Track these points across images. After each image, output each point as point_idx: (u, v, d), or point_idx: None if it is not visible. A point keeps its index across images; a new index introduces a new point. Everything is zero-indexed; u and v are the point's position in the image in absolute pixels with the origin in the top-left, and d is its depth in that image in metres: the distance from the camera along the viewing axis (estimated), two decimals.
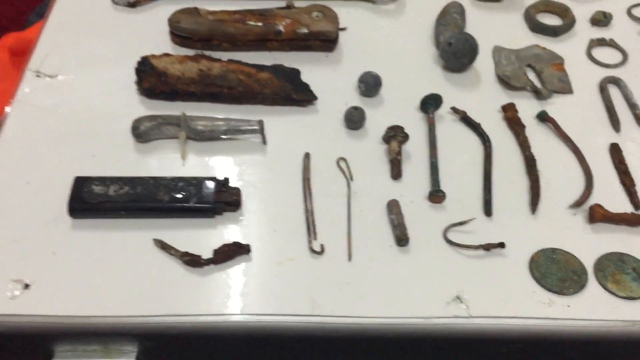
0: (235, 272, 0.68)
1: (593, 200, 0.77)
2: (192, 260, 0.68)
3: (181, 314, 0.65)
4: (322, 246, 0.71)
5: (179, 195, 0.72)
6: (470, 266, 0.70)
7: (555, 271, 0.69)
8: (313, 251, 0.70)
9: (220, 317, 0.65)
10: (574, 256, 0.71)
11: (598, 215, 0.74)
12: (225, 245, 0.69)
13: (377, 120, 0.84)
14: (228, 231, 0.72)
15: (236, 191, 0.73)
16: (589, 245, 0.72)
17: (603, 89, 0.90)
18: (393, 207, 0.74)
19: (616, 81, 0.91)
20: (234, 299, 0.66)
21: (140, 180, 0.73)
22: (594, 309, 0.67)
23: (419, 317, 0.66)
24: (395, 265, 0.70)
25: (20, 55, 1.53)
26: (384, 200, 0.76)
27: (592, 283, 0.69)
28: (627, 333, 0.66)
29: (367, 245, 0.71)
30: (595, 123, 0.86)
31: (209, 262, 0.68)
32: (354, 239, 0.72)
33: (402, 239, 0.71)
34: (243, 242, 0.70)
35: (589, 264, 0.71)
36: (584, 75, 0.92)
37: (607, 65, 0.93)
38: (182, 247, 0.69)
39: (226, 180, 0.75)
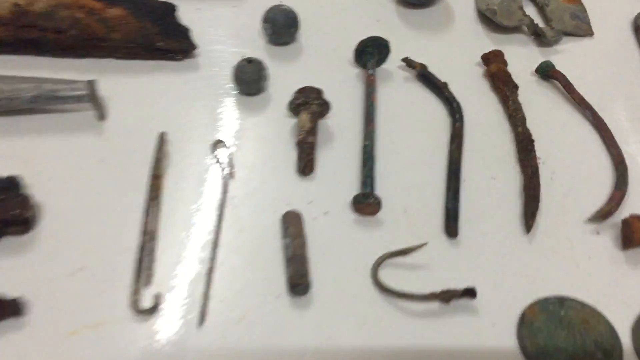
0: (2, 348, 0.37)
1: (629, 208, 0.44)
2: None
3: None
4: (156, 299, 0.39)
5: None
6: (414, 332, 0.38)
7: (563, 342, 0.37)
8: (138, 310, 0.38)
9: None
10: (598, 312, 0.39)
11: (638, 235, 0.40)
12: None
13: (288, 80, 0.52)
14: (1, 272, 0.40)
15: (23, 202, 0.41)
16: (622, 290, 0.40)
17: (638, 28, 0.55)
18: (289, 225, 0.42)
19: None
20: None
21: None
22: None
23: None
24: (283, 330, 0.38)
25: None
26: (281, 212, 0.43)
27: None
28: None
29: (239, 296, 0.39)
30: (627, 79, 0.53)
31: None
32: (217, 284, 0.40)
33: (297, 284, 0.39)
34: (16, 294, 0.38)
35: (623, 326, 0.38)
36: (611, 9, 0.59)
37: None
38: None
39: (11, 181, 0.42)
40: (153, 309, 0.39)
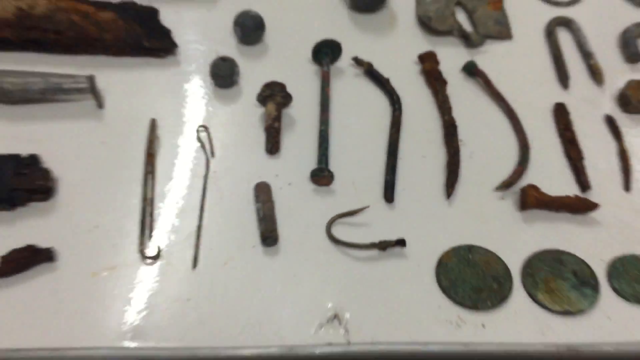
0: (32, 289, 0.51)
1: (527, 179, 0.62)
2: None
3: None
4: (158, 249, 0.54)
5: None
6: (359, 272, 0.55)
7: (469, 277, 0.54)
8: (145, 257, 0.54)
9: (10, 354, 0.49)
10: (497, 256, 0.56)
11: (532, 200, 0.58)
12: (17, 251, 0.52)
13: (256, 75, 0.68)
14: (29, 230, 0.54)
15: (45, 174, 0.56)
16: (517, 240, 0.58)
17: (550, 33, 0.75)
18: (260, 193, 0.58)
19: (568, 23, 0.76)
20: (28, 326, 0.50)
21: None
22: (518, 329, 0.52)
23: (281, 345, 0.50)
24: (256, 272, 0.54)
25: None
26: (252, 183, 0.59)
27: (518, 293, 0.54)
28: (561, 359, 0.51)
29: (223, 245, 0.55)
30: (538, 77, 0.72)
31: None
32: (205, 237, 0.56)
33: (267, 237, 0.55)
34: (47, 244, 0.53)
35: (515, 266, 0.56)
36: (527, 16, 0.78)
37: (557, 3, 0.77)
38: None
39: (33, 158, 0.57)
40: (156, 256, 0.54)
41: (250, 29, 0.70)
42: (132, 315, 0.51)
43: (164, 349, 0.49)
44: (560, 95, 0.69)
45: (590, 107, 0.68)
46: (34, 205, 0.56)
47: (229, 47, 0.71)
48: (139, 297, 0.52)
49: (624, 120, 0.67)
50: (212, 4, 0.75)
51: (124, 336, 0.50)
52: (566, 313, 0.53)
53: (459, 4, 0.76)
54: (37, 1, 0.68)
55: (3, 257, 0.52)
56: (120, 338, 0.50)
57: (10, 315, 0.50)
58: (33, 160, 0.57)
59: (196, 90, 0.66)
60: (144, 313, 0.51)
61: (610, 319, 0.53)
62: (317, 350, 0.50)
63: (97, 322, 0.50)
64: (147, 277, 0.53)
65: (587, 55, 0.72)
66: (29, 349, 0.49)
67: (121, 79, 0.66)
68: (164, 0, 0.72)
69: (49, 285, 0.52)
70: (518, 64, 0.73)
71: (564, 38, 0.75)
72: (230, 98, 0.66)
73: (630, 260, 0.56)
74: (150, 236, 0.55)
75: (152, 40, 0.68)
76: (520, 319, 0.53)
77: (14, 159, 0.56)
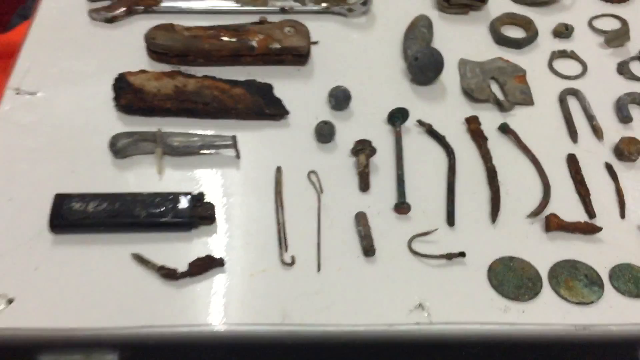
0: (210, 284, 0.73)
1: (550, 210, 0.82)
2: (168, 274, 0.72)
3: (158, 325, 0.69)
4: (292, 257, 0.75)
5: (156, 211, 0.76)
6: (433, 275, 0.75)
7: (511, 279, 0.74)
8: (284, 263, 0.75)
9: (195, 328, 0.70)
10: (530, 264, 0.76)
11: (553, 225, 0.79)
12: (199, 259, 0.73)
13: (347, 133, 0.89)
14: (203, 244, 0.76)
15: (210, 206, 0.78)
16: (544, 253, 0.78)
17: (562, 100, 0.95)
18: (361, 219, 0.79)
19: (575, 93, 0.96)
20: (208, 310, 0.71)
21: (118, 197, 0.77)
22: (547, 314, 0.72)
23: (383, 324, 0.71)
24: (362, 275, 0.75)
25: (4, 58, 1.55)
26: (352, 212, 0.80)
27: (546, 289, 0.74)
28: (578, 336, 0.71)
29: (336, 256, 0.76)
30: (554, 134, 0.92)
31: (184, 275, 0.72)
32: (323, 250, 0.77)
33: (368, 250, 0.76)
34: (217, 255, 0.74)
35: (543, 271, 0.76)
36: (544, 87, 0.98)
37: (567, 77, 0.99)
38: (158, 261, 0.74)
39: (201, 195, 0.79)
40: (292, 263, 0.75)
41: (341, 99, 0.92)
42: (279, 303, 0.72)
43: (306, 324, 0.70)
44: (571, 148, 0.90)
45: (594, 157, 0.89)
46: (202, 228, 0.78)
47: (325, 112, 0.93)
48: (282, 290, 0.73)
49: (619, 167, 0.87)
50: (308, 79, 0.97)
51: (276, 317, 0.71)
52: (580, 303, 0.73)
53: (493, 78, 0.98)
54: (188, 81, 0.90)
55: (190, 263, 0.73)
56: (272, 318, 0.71)
57: (194, 301, 0.71)
58: (201, 196, 0.79)
59: (305, 145, 0.88)
60: (288, 301, 0.72)
61: (612, 308, 0.73)
62: (408, 328, 0.71)
63: (257, 306, 0.71)
64: (286, 277, 0.74)
65: (590, 118, 0.93)
66: (213, 326, 0.70)
67: (251, 137, 0.88)
68: (276, 78, 0.95)
69: (221, 282, 0.73)
70: (539, 124, 0.94)
71: (573, 104, 0.96)
72: (330, 151, 0.88)
73: (625, 267, 0.76)
74: (286, 249, 0.77)
75: (270, 108, 0.90)
76: (549, 308, 0.73)
77: (190, 195, 0.78)
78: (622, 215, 0.82)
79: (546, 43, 1.04)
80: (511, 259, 0.77)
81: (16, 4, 2.13)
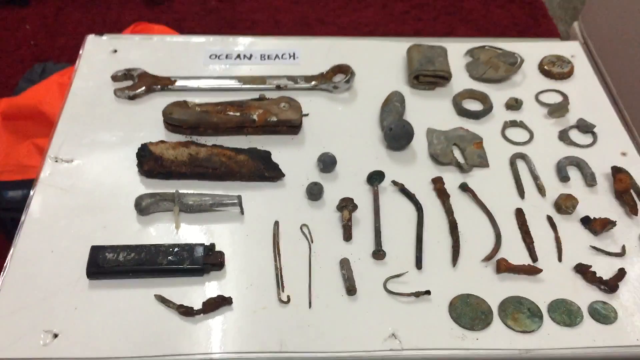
0: (220, 320, 0.87)
1: (500, 254, 0.97)
2: (186, 311, 0.86)
3: (178, 354, 0.83)
4: (288, 297, 0.90)
5: (174, 259, 0.90)
6: (404, 309, 0.89)
7: (468, 312, 0.89)
8: (281, 301, 0.89)
9: (209, 356, 0.83)
10: (484, 300, 0.91)
11: (503, 267, 0.94)
12: (211, 298, 0.87)
13: (333, 192, 1.04)
14: (214, 286, 0.90)
15: (220, 254, 0.92)
16: (495, 290, 0.92)
17: (512, 163, 1.11)
18: (344, 264, 0.94)
19: (523, 156, 1.13)
20: (219, 340, 0.84)
21: (143, 248, 0.91)
22: (497, 341, 0.86)
23: (363, 350, 0.85)
24: (345, 310, 0.89)
25: (12, 120, 1.69)
26: (337, 258, 0.95)
27: (496, 321, 0.89)
28: (522, 359, 0.85)
29: (324, 294, 0.90)
30: (505, 191, 1.07)
31: (199, 312, 0.86)
32: (313, 290, 0.91)
33: (351, 290, 0.90)
34: (226, 295, 0.88)
35: (494, 305, 0.90)
36: (498, 152, 1.14)
37: (517, 143, 1.15)
38: (177, 301, 0.88)
39: (212, 245, 0.93)
40: (288, 301, 0.89)
41: (328, 163, 1.08)
42: (278, 334, 0.86)
43: (300, 351, 0.84)
44: (519, 203, 1.05)
45: (538, 210, 1.04)
46: (214, 273, 0.92)
47: (314, 174, 1.08)
48: (280, 324, 0.87)
49: (558, 219, 1.03)
50: (300, 146, 1.13)
51: (275, 346, 0.84)
52: (524, 332, 0.87)
53: (455, 144, 1.15)
54: (200, 149, 1.06)
55: (204, 302, 0.87)
56: (271, 347, 0.84)
57: (207, 334, 0.85)
58: (212, 246, 0.94)
59: (298, 202, 1.03)
60: (284, 333, 0.86)
61: (550, 335, 0.87)
62: (383, 354, 0.85)
63: (259, 337, 0.85)
64: (283, 312, 0.88)
65: (535, 178, 1.09)
66: (224, 353, 0.83)
67: (253, 196, 1.03)
68: (273, 145, 1.11)
69: (229, 317, 0.87)
70: (493, 183, 1.09)
71: (521, 166, 1.12)
72: (319, 207, 1.03)
73: (560, 302, 0.90)
74: (283, 289, 0.91)
75: (269, 172, 1.06)
76: (498, 336, 0.87)
77: (203, 246, 0.93)
78: (560, 259, 0.97)
79: (500, 114, 1.21)
80: (468, 295, 0.91)
81: (23, 69, 2.31)
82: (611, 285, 0.92)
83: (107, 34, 1.31)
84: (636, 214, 1.02)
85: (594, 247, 0.98)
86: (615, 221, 1.00)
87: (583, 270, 0.94)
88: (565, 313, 0.89)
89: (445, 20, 2.54)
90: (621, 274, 0.94)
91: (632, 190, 1.06)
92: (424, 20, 2.54)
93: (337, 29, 2.49)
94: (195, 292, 0.89)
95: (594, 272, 0.93)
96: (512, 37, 1.41)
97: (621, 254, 0.97)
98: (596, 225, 1.00)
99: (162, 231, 0.97)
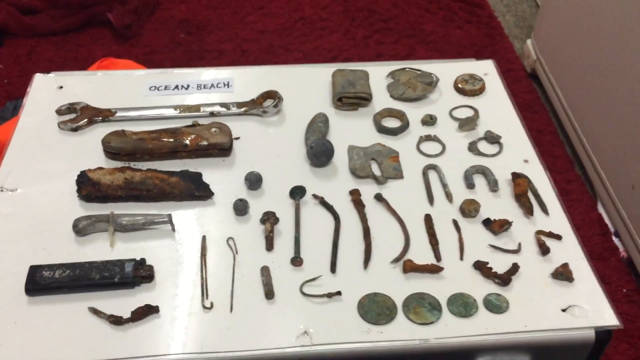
0: (148, 326, 0.94)
1: (409, 256, 1.05)
2: (115, 320, 0.93)
3: (109, 359, 0.90)
4: (211, 303, 0.97)
5: (107, 274, 0.98)
6: (317, 309, 0.97)
7: (374, 309, 0.97)
8: (205, 307, 0.97)
9: (137, 359, 0.90)
10: (389, 297, 0.99)
11: (408, 267, 1.02)
12: (139, 307, 0.95)
13: (258, 206, 1.12)
14: (144, 297, 0.98)
15: (150, 268, 1.00)
16: (401, 288, 1.00)
17: (424, 173, 1.21)
18: (264, 271, 1.02)
19: (434, 167, 1.22)
20: (147, 345, 0.91)
21: (77, 265, 0.99)
22: (399, 333, 0.94)
23: (277, 347, 0.92)
24: (263, 313, 0.96)
25: None
26: (259, 266, 1.03)
27: (400, 315, 0.97)
28: (422, 348, 0.93)
29: (244, 300, 0.98)
30: (417, 199, 1.16)
31: (128, 320, 0.94)
32: (235, 296, 0.98)
33: (269, 294, 0.98)
34: (154, 304, 0.96)
35: (399, 302, 0.98)
36: (412, 164, 1.23)
37: (430, 155, 1.25)
38: (110, 311, 0.95)
39: (143, 260, 1.01)
40: (211, 307, 0.97)
41: (253, 181, 1.16)
42: (201, 337, 0.93)
43: (221, 351, 0.91)
44: (429, 209, 1.15)
45: (445, 215, 1.13)
46: (144, 285, 1.00)
47: (242, 192, 1.16)
48: (203, 327, 0.94)
49: (462, 222, 1.12)
50: (230, 167, 1.22)
51: (197, 348, 0.92)
52: (424, 324, 0.95)
53: (373, 159, 1.24)
54: (135, 174, 1.14)
55: (132, 312, 0.94)
56: (194, 348, 0.91)
57: (136, 339, 0.92)
58: (143, 261, 1.01)
59: (225, 218, 1.11)
60: (207, 335, 0.93)
61: (447, 326, 0.95)
62: (294, 350, 0.92)
63: (183, 340, 0.92)
64: (207, 317, 0.96)
65: (444, 186, 1.18)
66: (151, 356, 0.90)
67: (184, 214, 1.11)
68: (206, 167, 1.19)
69: (157, 324, 0.94)
70: (406, 192, 1.17)
71: (433, 176, 1.21)
72: (244, 221, 1.11)
73: (458, 295, 0.98)
74: (207, 296, 0.99)
75: (199, 191, 1.14)
76: (400, 328, 0.95)
77: (134, 261, 1.00)
78: (462, 257, 1.06)
79: (416, 130, 1.30)
80: (376, 294, 0.99)
81: None
82: (504, 279, 1.00)
83: (55, 72, 1.39)
84: (532, 215, 1.12)
85: (492, 246, 1.07)
86: (512, 221, 1.09)
87: (480, 267, 1.03)
88: (462, 305, 0.98)
89: (406, 43, 2.61)
90: (514, 268, 1.02)
91: (530, 193, 1.15)
92: (386, 43, 2.61)
93: (302, 55, 2.55)
94: (127, 302, 0.96)
95: (490, 268, 1.02)
96: (433, 59, 1.52)
97: (517, 250, 1.06)
98: (495, 226, 1.09)
99: (98, 250, 1.04)
